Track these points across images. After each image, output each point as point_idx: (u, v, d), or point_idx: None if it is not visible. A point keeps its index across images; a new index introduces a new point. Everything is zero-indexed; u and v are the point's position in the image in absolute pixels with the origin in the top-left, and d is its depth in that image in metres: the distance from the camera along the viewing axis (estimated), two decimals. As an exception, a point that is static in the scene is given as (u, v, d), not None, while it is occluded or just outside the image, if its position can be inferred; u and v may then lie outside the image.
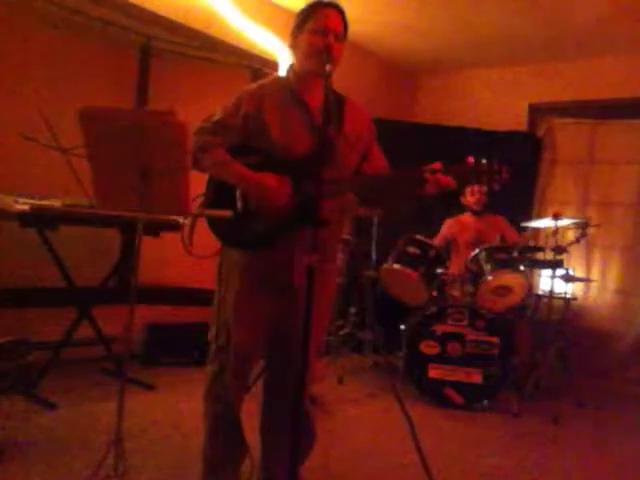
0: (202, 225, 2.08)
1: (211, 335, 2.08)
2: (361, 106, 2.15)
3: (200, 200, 2.05)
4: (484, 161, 1.90)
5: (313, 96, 1.99)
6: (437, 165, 1.89)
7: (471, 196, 4.40)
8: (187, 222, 2.12)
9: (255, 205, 1.94)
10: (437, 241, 4.48)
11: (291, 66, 2.07)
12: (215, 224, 2.02)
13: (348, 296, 4.62)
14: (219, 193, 2.00)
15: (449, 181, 1.88)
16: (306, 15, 1.98)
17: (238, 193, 1.96)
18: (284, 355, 2.09)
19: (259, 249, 1.99)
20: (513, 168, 1.92)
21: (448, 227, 4.59)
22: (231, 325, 2.01)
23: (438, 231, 4.61)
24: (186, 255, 2.03)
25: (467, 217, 4.54)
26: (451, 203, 4.45)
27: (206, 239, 2.06)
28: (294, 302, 1.91)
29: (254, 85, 2.09)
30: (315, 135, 1.92)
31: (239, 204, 1.96)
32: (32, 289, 3.66)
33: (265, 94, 2.00)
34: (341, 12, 1.98)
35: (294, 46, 2.03)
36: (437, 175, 1.88)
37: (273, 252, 1.97)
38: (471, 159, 1.90)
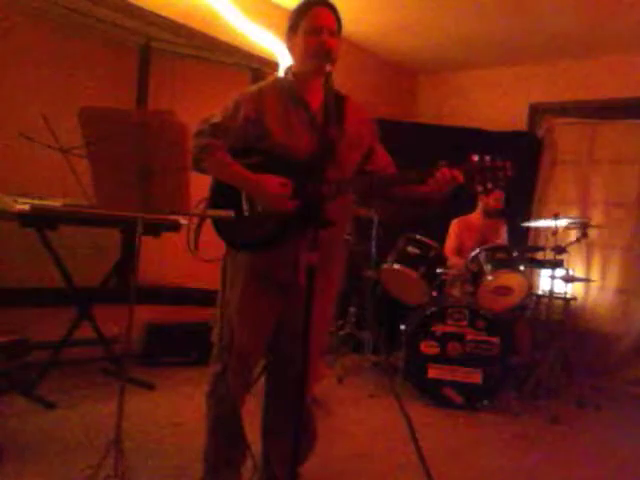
0: (206, 227, 2.07)
1: (214, 335, 2.07)
2: (362, 105, 2.15)
3: (205, 203, 2.05)
4: (488, 158, 1.91)
5: (314, 96, 1.99)
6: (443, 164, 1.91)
7: (494, 202, 4.39)
8: (192, 225, 2.11)
9: (261, 206, 1.94)
10: (450, 243, 4.48)
11: (289, 67, 2.07)
12: (221, 226, 2.02)
13: (348, 296, 4.62)
14: (224, 194, 2.00)
15: (456, 174, 1.88)
16: (297, 16, 1.99)
17: (244, 194, 1.96)
18: (286, 355, 2.08)
19: (264, 250, 1.99)
20: (515, 166, 1.93)
21: (457, 227, 4.57)
22: (235, 326, 2.01)
23: (439, 231, 4.57)
24: (190, 257, 2.03)
25: (475, 217, 4.53)
26: (461, 204, 4.40)
27: (210, 241, 2.06)
28: (298, 302, 1.91)
29: (253, 88, 2.08)
30: (317, 136, 1.92)
31: (245, 206, 1.96)
32: (32, 289, 3.66)
33: (265, 96, 2.00)
34: (332, 7, 1.98)
35: (291, 48, 2.03)
36: (443, 169, 1.88)
37: (278, 252, 1.96)
38: (475, 157, 1.91)
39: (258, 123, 1.95)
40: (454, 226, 4.58)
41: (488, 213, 4.47)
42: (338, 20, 1.98)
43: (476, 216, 4.54)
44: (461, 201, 4.21)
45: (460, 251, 4.46)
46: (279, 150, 1.95)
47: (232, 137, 1.96)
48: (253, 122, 1.96)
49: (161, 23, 4.00)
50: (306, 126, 1.97)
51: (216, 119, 1.99)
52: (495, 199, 4.38)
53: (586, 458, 3.14)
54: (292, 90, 2.02)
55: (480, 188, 1.90)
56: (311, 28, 1.93)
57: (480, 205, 4.50)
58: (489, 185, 1.90)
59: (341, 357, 4.42)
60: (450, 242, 4.52)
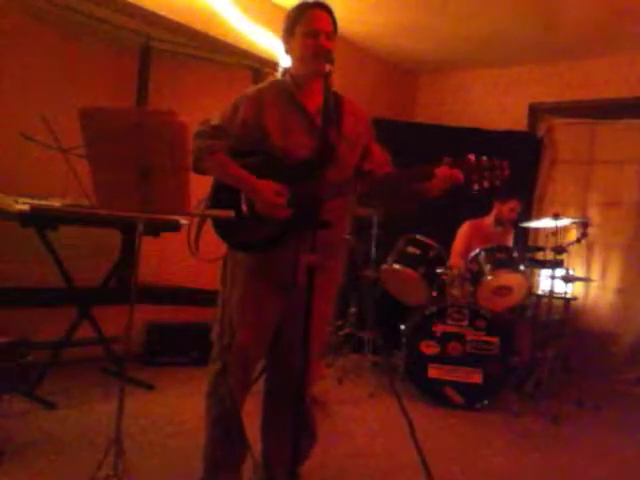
0: (207, 227, 2.07)
1: (215, 335, 2.08)
2: (358, 104, 2.15)
3: (205, 203, 2.05)
4: (484, 157, 1.91)
5: (312, 98, 1.99)
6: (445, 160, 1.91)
7: (508, 212, 4.35)
8: (192, 225, 2.11)
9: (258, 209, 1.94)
10: (458, 245, 4.45)
11: (287, 69, 2.07)
12: (221, 227, 2.02)
13: (348, 296, 4.62)
14: (225, 195, 2.00)
15: (457, 174, 1.89)
16: (294, 19, 1.99)
17: (243, 196, 1.96)
18: (286, 354, 2.08)
19: (264, 251, 1.99)
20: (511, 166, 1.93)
21: (467, 230, 4.52)
22: (236, 325, 2.01)
23: (443, 232, 4.52)
24: (190, 257, 2.03)
25: (486, 223, 4.48)
26: (476, 206, 4.37)
27: (210, 241, 2.06)
28: (298, 302, 1.91)
29: (252, 90, 2.08)
30: (316, 138, 1.92)
31: (244, 207, 1.96)
32: (32, 289, 3.66)
33: (264, 99, 2.00)
34: (327, 9, 1.99)
35: (288, 51, 2.04)
36: (444, 168, 1.88)
37: (278, 252, 1.97)
38: (472, 156, 1.91)
39: (257, 125, 1.96)
40: (465, 228, 4.53)
41: (500, 222, 4.41)
42: (334, 22, 1.99)
43: (488, 221, 4.48)
44: (476, 202, 4.18)
45: (467, 254, 4.43)
46: (278, 152, 1.96)
47: (231, 138, 1.96)
48: (251, 124, 1.96)
49: (161, 23, 4.00)
50: (305, 129, 1.98)
51: (215, 121, 2.00)
52: (510, 209, 4.34)
53: (586, 458, 3.13)
54: (290, 93, 2.02)
55: (476, 187, 1.91)
56: (308, 31, 1.94)
57: (494, 212, 4.44)
58: (485, 184, 1.90)
59: (341, 357, 4.42)
60: (458, 244, 4.48)
